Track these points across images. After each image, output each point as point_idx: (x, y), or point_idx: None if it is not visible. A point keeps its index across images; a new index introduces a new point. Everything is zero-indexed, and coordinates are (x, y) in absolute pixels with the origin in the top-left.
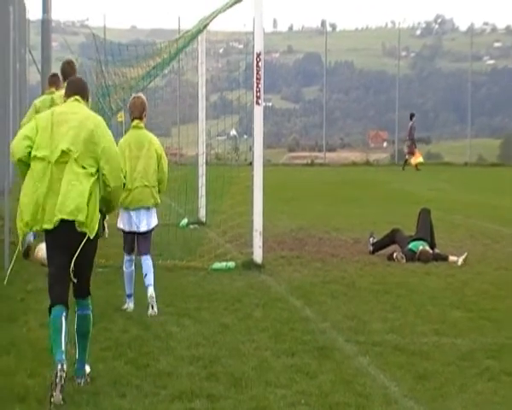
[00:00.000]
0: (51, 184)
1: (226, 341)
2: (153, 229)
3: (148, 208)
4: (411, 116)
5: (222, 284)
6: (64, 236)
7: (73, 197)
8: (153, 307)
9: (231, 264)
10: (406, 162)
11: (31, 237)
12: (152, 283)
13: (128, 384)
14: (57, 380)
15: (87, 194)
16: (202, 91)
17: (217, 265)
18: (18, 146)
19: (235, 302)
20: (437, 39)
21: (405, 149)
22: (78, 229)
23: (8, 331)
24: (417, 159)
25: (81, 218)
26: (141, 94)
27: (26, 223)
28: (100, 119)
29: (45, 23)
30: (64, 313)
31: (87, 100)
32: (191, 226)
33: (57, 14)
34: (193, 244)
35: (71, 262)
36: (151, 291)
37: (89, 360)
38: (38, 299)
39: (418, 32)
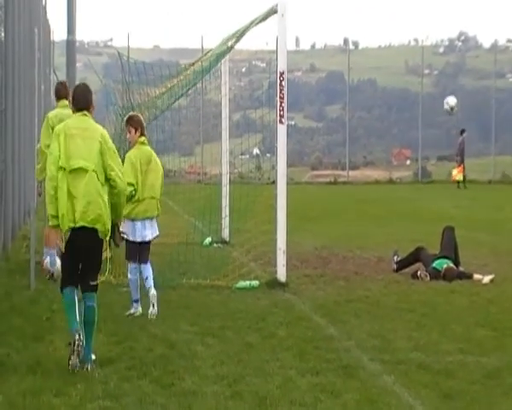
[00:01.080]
0: (69, 190)
1: (250, 360)
2: (155, 238)
3: (151, 219)
4: (462, 132)
5: (246, 303)
6: (82, 237)
7: (93, 209)
8: (154, 306)
9: (255, 283)
10: (465, 180)
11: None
12: (152, 284)
13: (153, 403)
14: (75, 347)
15: (104, 204)
16: (225, 111)
17: (241, 284)
18: (51, 169)
19: (259, 321)
20: (460, 57)
21: (456, 166)
22: (98, 235)
23: (34, 351)
24: (458, 176)
25: (100, 226)
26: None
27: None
28: (103, 131)
29: (70, 44)
30: (75, 291)
31: (92, 111)
32: (215, 245)
33: (81, 35)
34: (217, 263)
35: (84, 259)
36: (153, 291)
37: (95, 349)
38: (64, 318)
39: (441, 50)
